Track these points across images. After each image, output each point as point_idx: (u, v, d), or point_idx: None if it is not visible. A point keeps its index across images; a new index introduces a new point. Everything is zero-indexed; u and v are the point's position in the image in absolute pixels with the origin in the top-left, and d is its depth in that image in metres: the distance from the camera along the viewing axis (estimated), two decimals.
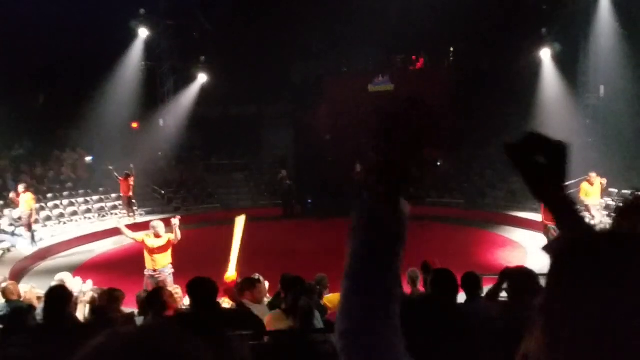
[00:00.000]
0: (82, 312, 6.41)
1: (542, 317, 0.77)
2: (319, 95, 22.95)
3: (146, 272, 8.88)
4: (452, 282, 4.46)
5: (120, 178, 17.09)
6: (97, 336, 0.76)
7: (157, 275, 8.71)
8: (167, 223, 9.54)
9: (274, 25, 19.98)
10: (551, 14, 18.36)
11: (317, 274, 7.58)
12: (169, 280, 8.67)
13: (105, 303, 5.51)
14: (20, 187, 14.12)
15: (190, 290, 3.96)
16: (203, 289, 3.95)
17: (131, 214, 17.30)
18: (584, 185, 12.28)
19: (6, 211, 14.81)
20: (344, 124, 23.15)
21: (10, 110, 17.23)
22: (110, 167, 17.67)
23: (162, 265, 8.79)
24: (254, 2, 21.27)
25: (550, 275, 0.80)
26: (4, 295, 6.17)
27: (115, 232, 16.29)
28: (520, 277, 4.09)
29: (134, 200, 17.58)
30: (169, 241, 8.88)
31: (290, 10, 19.64)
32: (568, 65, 18.09)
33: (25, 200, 13.66)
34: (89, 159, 19.82)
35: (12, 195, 14.38)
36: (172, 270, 8.93)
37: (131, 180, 17.06)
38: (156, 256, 8.76)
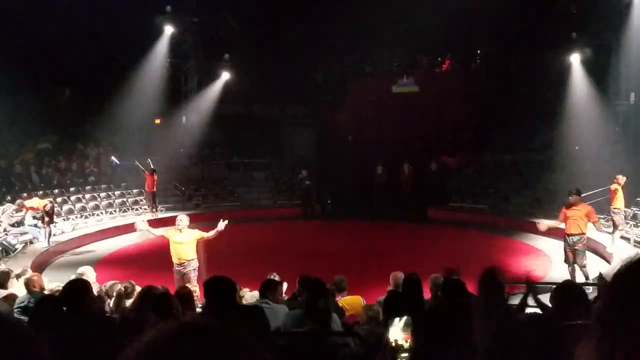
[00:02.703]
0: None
1: (598, 327, 0.79)
2: (342, 96, 22.84)
3: (174, 267, 8.96)
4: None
5: (146, 173, 17.24)
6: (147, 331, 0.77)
7: (182, 270, 8.76)
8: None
9: (299, 25, 19.93)
10: (582, 18, 17.97)
11: (336, 275, 7.47)
12: (193, 275, 8.73)
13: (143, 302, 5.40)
14: (16, 204, 14.02)
15: (206, 289, 3.86)
16: (220, 288, 3.86)
17: (154, 210, 17.43)
18: (616, 187, 12.00)
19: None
20: (367, 125, 23.06)
21: (36, 104, 17.47)
22: (137, 163, 17.77)
23: (186, 258, 8.78)
24: (279, 1, 21.22)
25: (613, 286, 0.82)
26: (28, 286, 6.19)
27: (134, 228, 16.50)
28: (569, 290, 3.97)
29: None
30: (195, 238, 8.90)
31: (315, 10, 19.55)
32: (598, 71, 17.68)
33: (31, 205, 13.74)
34: (114, 160, 19.86)
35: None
36: (197, 265, 8.92)
37: (156, 176, 17.23)
38: (179, 249, 8.76)
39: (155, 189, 17.39)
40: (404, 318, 2.84)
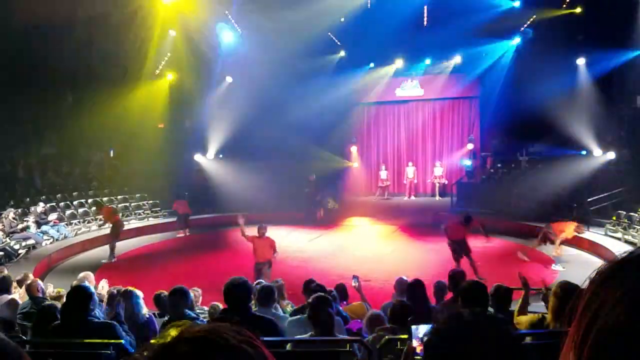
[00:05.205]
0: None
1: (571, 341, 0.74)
2: (343, 98, 22.81)
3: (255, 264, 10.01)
4: (483, 294, 4.30)
5: (180, 201, 17.00)
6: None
7: (260, 267, 9.89)
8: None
9: (300, 29, 19.88)
10: (587, 21, 17.88)
11: (339, 281, 7.45)
12: (267, 271, 9.78)
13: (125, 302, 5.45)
14: None
15: (225, 292, 3.85)
16: (237, 290, 3.84)
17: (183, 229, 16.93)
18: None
19: (32, 208, 14.98)
20: (370, 128, 23.04)
21: (39, 109, 17.47)
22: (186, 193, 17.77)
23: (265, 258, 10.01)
24: (282, 3, 21.17)
25: (582, 299, 0.77)
26: (29, 291, 6.15)
27: (140, 231, 16.47)
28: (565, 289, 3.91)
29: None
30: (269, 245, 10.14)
31: (317, 11, 19.51)
32: (603, 74, 17.58)
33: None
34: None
35: None
36: (271, 263, 10.02)
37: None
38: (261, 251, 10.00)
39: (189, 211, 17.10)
40: (425, 326, 2.77)
